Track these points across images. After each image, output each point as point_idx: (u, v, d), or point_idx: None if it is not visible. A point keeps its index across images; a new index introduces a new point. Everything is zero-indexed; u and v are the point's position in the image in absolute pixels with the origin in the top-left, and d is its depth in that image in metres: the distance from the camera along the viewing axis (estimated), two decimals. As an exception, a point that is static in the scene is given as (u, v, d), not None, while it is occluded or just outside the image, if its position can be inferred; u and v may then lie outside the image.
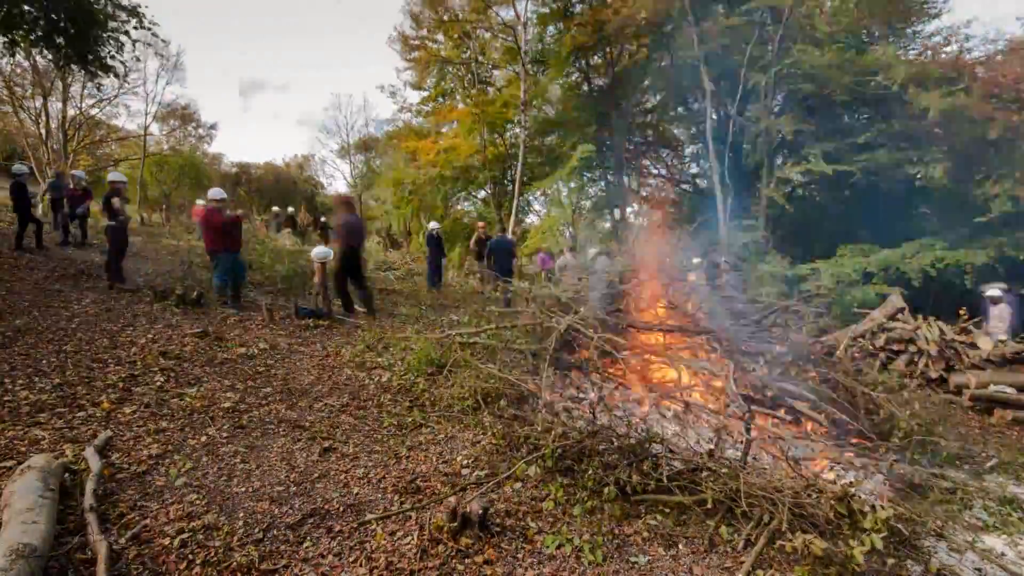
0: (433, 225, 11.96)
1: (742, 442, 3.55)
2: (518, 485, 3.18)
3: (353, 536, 2.53)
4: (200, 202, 13.91)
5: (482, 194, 21.17)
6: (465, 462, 3.43)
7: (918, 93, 10.00)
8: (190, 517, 2.45)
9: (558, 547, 2.61)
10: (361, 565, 2.33)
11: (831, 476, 3.62)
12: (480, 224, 13.69)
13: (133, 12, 8.76)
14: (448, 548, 2.45)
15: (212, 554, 2.23)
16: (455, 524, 2.54)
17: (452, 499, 2.70)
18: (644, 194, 20.11)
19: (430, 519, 2.61)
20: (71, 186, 9.78)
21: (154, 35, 9.41)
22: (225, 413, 3.75)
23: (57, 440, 3.03)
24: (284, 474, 3.02)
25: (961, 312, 7.13)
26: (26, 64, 16.94)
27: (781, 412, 4.43)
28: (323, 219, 18.04)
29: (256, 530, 2.44)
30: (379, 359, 5.42)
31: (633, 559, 2.61)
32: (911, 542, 2.91)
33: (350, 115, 36.48)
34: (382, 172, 25.55)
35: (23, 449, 2.87)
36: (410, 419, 4.05)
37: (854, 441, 4.18)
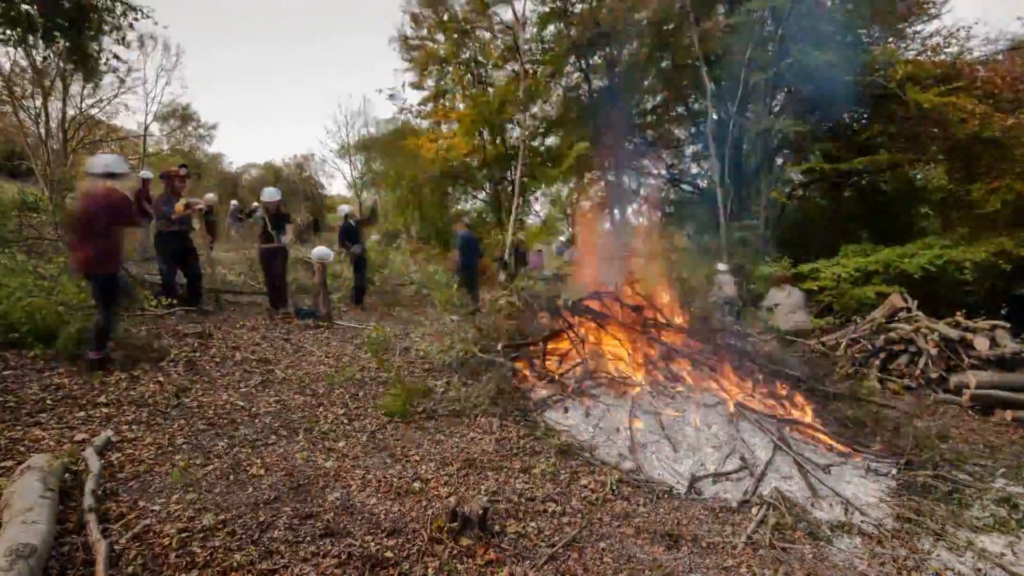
0: (343, 209, 9.18)
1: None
2: (520, 485, 3.18)
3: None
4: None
5: (482, 194, 21.14)
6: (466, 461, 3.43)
7: (918, 93, 9.99)
8: (190, 517, 2.45)
9: (558, 546, 2.61)
10: (361, 565, 2.33)
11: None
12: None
13: (131, 7, 8.65)
14: (448, 548, 2.45)
15: (212, 554, 2.23)
16: (455, 524, 2.53)
17: (452, 499, 2.69)
18: (644, 194, 20.07)
19: (430, 519, 2.61)
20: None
21: (154, 22, 9.19)
22: (226, 413, 3.75)
23: (57, 440, 3.03)
24: (284, 474, 3.01)
25: (959, 313, 7.12)
26: (26, 64, 16.89)
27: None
28: (316, 218, 18.10)
29: (256, 530, 2.44)
30: (379, 359, 5.41)
31: (640, 556, 2.61)
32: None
33: (350, 115, 36.57)
34: (382, 172, 25.50)
35: (23, 449, 2.87)
36: (406, 420, 4.05)
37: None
